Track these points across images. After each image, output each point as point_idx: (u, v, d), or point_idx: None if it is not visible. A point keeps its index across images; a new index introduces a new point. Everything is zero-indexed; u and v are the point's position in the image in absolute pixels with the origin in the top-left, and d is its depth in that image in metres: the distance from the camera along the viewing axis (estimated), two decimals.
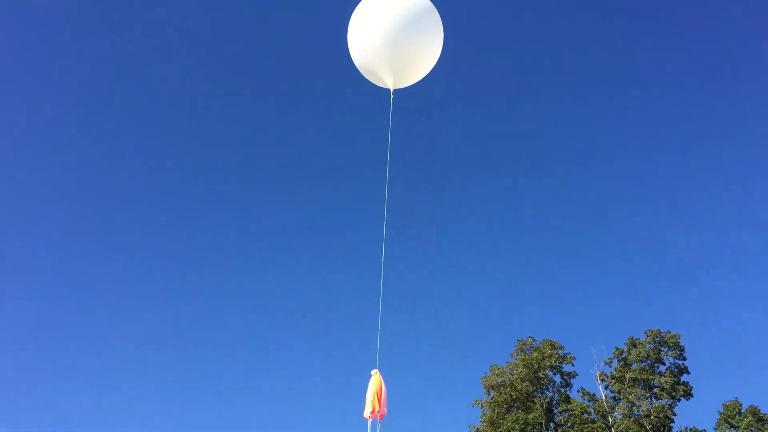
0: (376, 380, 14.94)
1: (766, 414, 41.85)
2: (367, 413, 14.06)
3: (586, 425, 40.27)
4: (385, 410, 14.37)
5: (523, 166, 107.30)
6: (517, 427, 40.28)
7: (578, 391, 43.99)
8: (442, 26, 12.65)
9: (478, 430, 43.18)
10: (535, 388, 42.57)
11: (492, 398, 42.80)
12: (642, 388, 42.28)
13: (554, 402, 43.15)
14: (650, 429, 40.57)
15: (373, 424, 14.21)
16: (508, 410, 41.95)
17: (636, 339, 43.81)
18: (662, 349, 43.27)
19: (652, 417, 40.86)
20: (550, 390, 43.53)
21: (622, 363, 43.63)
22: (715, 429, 41.95)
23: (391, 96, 12.67)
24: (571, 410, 41.69)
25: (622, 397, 42.38)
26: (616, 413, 42.30)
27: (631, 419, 40.85)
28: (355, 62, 12.92)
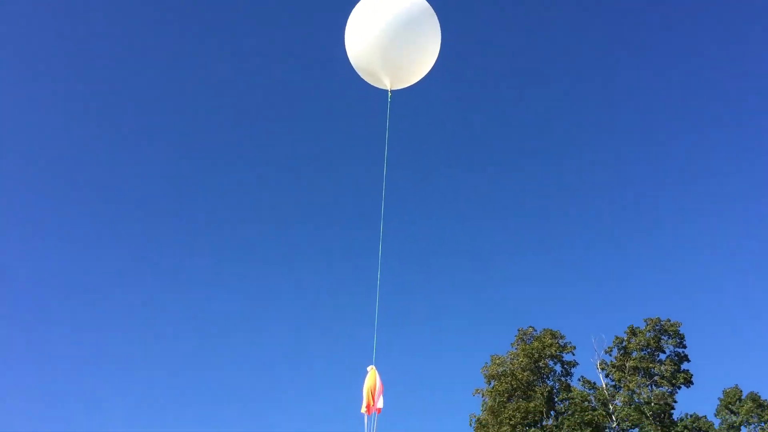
0: (371, 376, 15.20)
1: (766, 400, 42.23)
2: (363, 408, 14.34)
3: (586, 413, 40.57)
4: (381, 405, 14.62)
5: (522, 155, 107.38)
6: (518, 415, 40.59)
7: (579, 379, 44.33)
8: (439, 27, 12.77)
9: (478, 419, 43.52)
10: (535, 377, 42.86)
11: (492, 387, 43.09)
12: (642, 376, 42.58)
13: (555, 390, 43.45)
14: (651, 416, 40.90)
15: (369, 419, 14.49)
16: (508, 399, 42.25)
17: (636, 328, 44.06)
18: (662, 337, 43.53)
19: (652, 404, 41.17)
20: (550, 379, 43.83)
21: (622, 352, 43.90)
22: (715, 415, 42.38)
23: (389, 96, 12.82)
24: (572, 398, 42.00)
25: (622, 385, 42.67)
26: (616, 401, 42.61)
27: (632, 407, 41.15)
28: (352, 63, 13.05)
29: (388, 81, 12.62)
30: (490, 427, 41.73)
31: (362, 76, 12.98)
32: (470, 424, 44.02)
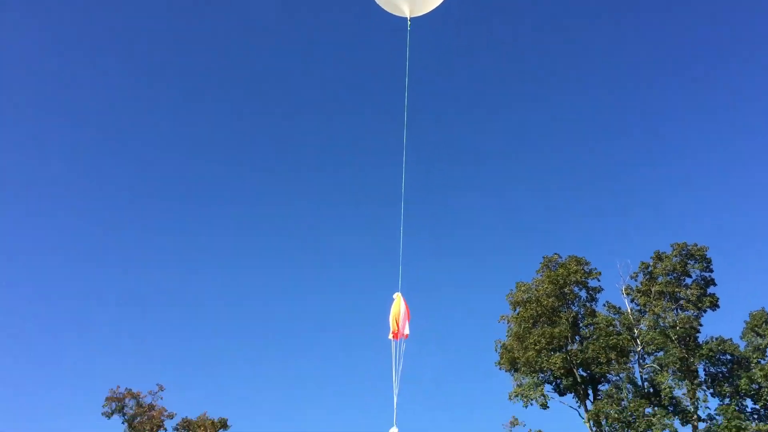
0: (397, 303, 15.54)
1: None
2: (390, 335, 14.70)
3: (611, 337, 41.03)
4: (407, 331, 14.97)
5: (544, 83, 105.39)
6: (543, 341, 41.18)
7: (604, 305, 44.68)
8: None
9: (504, 344, 44.24)
10: (560, 303, 43.23)
11: (518, 314, 43.61)
12: (668, 301, 42.73)
13: (580, 316, 43.87)
14: (676, 340, 41.26)
15: (397, 344, 14.86)
16: (533, 325, 42.79)
17: (662, 253, 43.93)
18: (688, 262, 43.39)
19: (677, 328, 41.43)
20: (575, 305, 44.20)
21: (647, 277, 43.92)
22: (741, 338, 42.47)
23: (408, 24, 12.62)
24: (597, 323, 42.41)
25: (647, 309, 42.88)
26: (641, 325, 42.95)
27: (657, 331, 41.47)
28: None
29: (407, 8, 12.42)
30: (516, 352, 42.47)
31: (380, 4, 12.77)
32: (496, 350, 44.86)
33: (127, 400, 45.21)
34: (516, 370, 43.12)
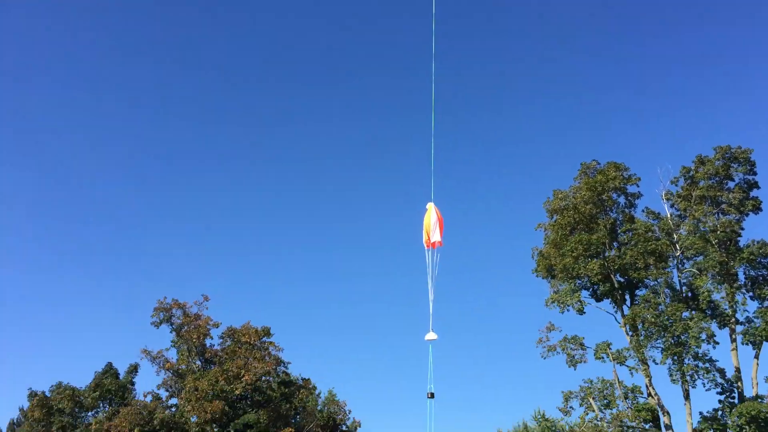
0: (430, 212, 15.57)
1: None
2: (425, 243, 14.82)
3: (650, 243, 40.67)
4: (438, 238, 15.04)
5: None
6: (580, 247, 41.04)
7: (643, 211, 44.14)
8: None
9: (541, 251, 44.34)
10: (598, 210, 42.76)
11: (555, 221, 43.39)
12: (709, 205, 41.99)
13: (618, 223, 43.46)
14: (716, 244, 40.80)
15: (432, 252, 14.98)
16: (571, 232, 42.60)
17: (704, 156, 42.87)
18: (732, 165, 42.36)
19: (718, 232, 40.89)
20: (613, 211, 43.72)
21: (689, 181, 43.06)
22: None
23: None
24: (635, 230, 42.02)
25: (687, 214, 42.28)
26: (681, 230, 42.44)
27: (697, 235, 40.97)
28: None
29: None
30: (553, 259, 42.56)
31: None
32: (533, 257, 45.06)
33: (174, 310, 46.81)
34: (553, 277, 43.35)
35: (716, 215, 41.69)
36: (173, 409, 45.23)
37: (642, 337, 40.01)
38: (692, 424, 39.48)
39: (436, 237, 14.84)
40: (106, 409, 44.39)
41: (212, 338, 47.21)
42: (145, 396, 45.39)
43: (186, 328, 46.32)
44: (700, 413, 40.38)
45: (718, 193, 41.73)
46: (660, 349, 39.42)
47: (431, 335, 17.41)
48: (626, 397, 39.70)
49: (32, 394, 44.35)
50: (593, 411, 39.77)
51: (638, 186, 43.77)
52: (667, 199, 43.84)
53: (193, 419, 42.12)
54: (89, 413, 44.95)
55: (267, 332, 46.45)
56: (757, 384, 40.07)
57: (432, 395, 17.99)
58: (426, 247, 15.06)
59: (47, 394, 44.51)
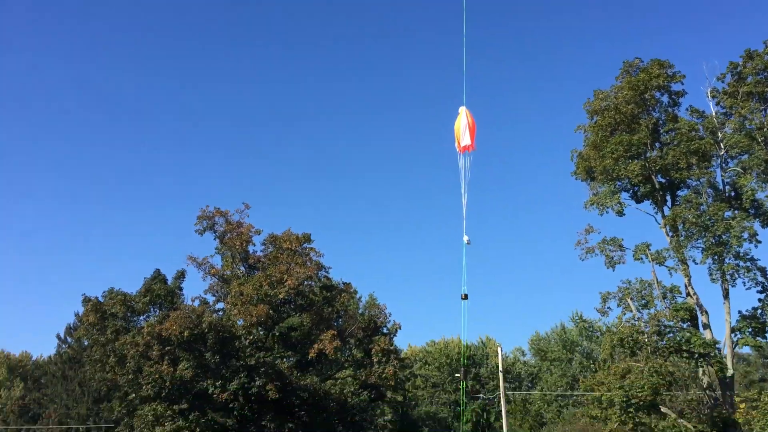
0: (461, 117, 15.30)
1: None
2: (457, 146, 14.65)
3: (693, 142, 39.67)
4: (467, 142, 14.84)
5: None
6: (620, 148, 40.23)
7: (687, 109, 42.80)
8: None
9: (580, 153, 43.66)
10: (640, 109, 41.55)
11: (595, 123, 42.44)
12: (756, 102, 40.47)
13: (660, 122, 42.32)
14: (762, 142, 39.63)
15: (464, 157, 14.85)
16: (611, 133, 41.67)
17: (753, 51, 40.96)
18: None
19: (765, 129, 39.61)
20: (656, 111, 42.46)
21: (736, 77, 41.38)
22: None
23: None
24: (678, 129, 40.94)
25: (733, 112, 40.92)
26: (726, 128, 41.26)
27: (742, 133, 39.79)
28: None
29: None
30: (592, 161, 41.95)
31: None
32: (571, 159, 44.46)
33: (216, 218, 47.89)
34: (592, 179, 42.86)
35: (763, 112, 40.25)
36: (220, 313, 46.99)
37: (682, 238, 39.72)
38: (730, 322, 39.60)
39: (466, 141, 14.65)
40: (157, 313, 46.19)
41: (254, 245, 48.44)
42: (192, 300, 47.15)
43: (229, 235, 47.49)
44: (739, 312, 40.41)
45: (767, 89, 40.13)
46: (701, 249, 39.20)
47: (464, 238, 17.64)
48: (664, 297, 39.78)
49: (86, 300, 46.24)
50: (631, 311, 40.06)
51: (683, 84, 42.35)
52: (713, 97, 42.40)
53: (240, 322, 43.75)
54: (141, 317, 46.88)
55: (307, 238, 47.33)
56: None
57: (466, 296, 18.38)
58: (458, 152, 15.00)
59: (100, 299, 46.40)
